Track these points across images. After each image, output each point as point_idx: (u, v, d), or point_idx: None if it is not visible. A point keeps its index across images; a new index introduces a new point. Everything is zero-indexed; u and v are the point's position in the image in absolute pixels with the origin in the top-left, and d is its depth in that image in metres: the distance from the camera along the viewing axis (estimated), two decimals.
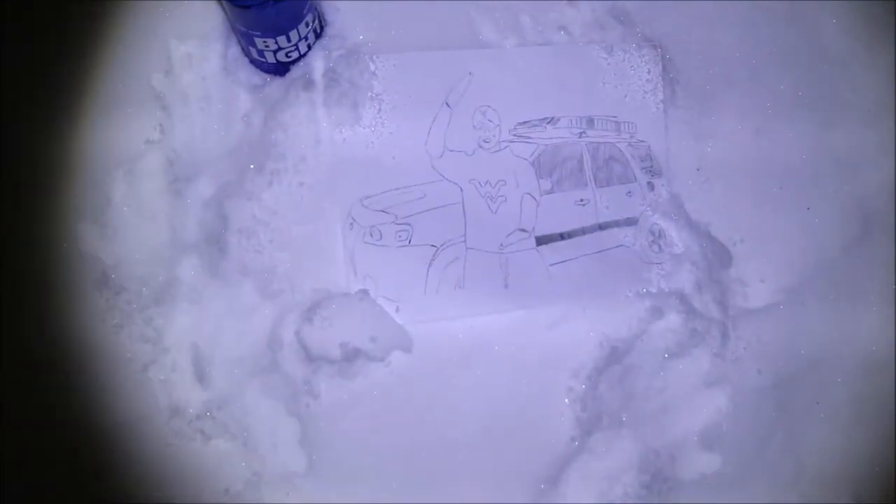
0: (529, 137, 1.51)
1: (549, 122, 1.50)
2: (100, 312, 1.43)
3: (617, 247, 1.55)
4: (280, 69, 1.47)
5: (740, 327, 1.52)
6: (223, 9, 1.39)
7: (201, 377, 1.42)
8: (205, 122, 1.48)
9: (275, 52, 1.41)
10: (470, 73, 1.51)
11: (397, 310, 1.45)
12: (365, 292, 1.44)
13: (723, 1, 1.59)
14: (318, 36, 1.48)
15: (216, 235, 1.43)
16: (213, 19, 1.50)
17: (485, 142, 1.50)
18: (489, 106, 1.52)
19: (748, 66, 1.57)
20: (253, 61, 1.47)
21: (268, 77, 1.49)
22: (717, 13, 1.58)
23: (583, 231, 1.53)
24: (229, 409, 1.42)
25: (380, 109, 1.48)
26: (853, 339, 1.53)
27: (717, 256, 1.55)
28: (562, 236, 1.52)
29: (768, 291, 1.56)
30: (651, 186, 1.54)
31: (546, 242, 1.51)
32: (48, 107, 1.44)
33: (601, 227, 1.54)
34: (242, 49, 1.46)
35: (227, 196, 1.43)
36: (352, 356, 1.37)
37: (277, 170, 1.44)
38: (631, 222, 1.55)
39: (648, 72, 1.54)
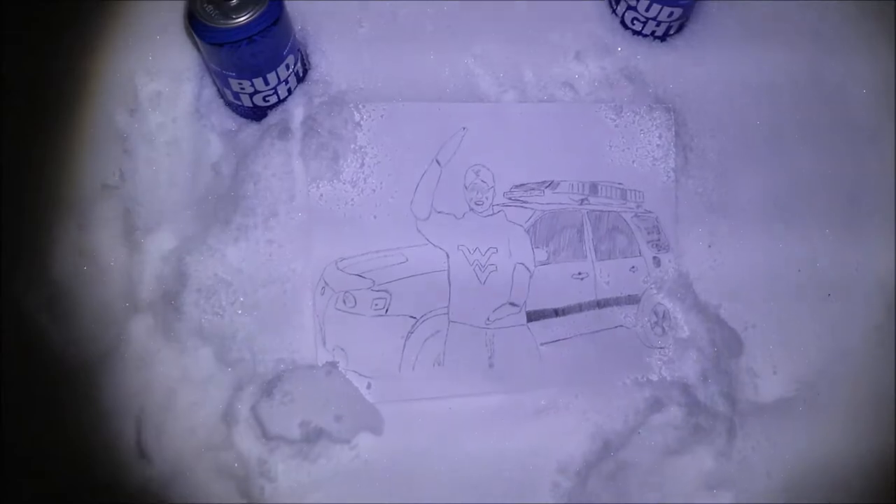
0: (526, 202, 1.46)
1: (548, 186, 1.45)
2: (36, 372, 1.38)
3: (616, 327, 1.49)
4: (257, 114, 1.43)
5: (749, 424, 1.46)
6: (197, 46, 1.35)
7: (144, 451, 1.35)
8: (171, 168, 1.44)
9: (251, 94, 1.37)
10: (464, 129, 1.47)
11: (368, 386, 1.39)
12: (333, 365, 1.38)
13: (742, 64, 1.53)
14: (300, 80, 1.44)
15: (173, 294, 1.37)
16: (187, 57, 1.47)
17: (476, 204, 1.45)
18: (483, 165, 1.47)
19: (768, 135, 1.55)
20: (228, 104, 1.44)
21: (243, 122, 1.45)
22: (736, 76, 1.55)
23: (579, 308, 1.48)
24: (174, 488, 1.35)
25: (363, 163, 1.43)
26: (874, 441, 1.48)
27: (726, 343, 1.49)
28: (556, 313, 1.47)
29: (781, 384, 1.51)
30: (657, 262, 1.50)
31: (538, 319, 1.46)
32: None
33: (600, 304, 1.49)
34: (218, 90, 1.43)
35: (188, 251, 1.38)
36: (313, 437, 1.31)
37: (245, 225, 1.39)
38: (633, 300, 1.50)
39: (660, 136, 1.51)
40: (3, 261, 1.37)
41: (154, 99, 1.43)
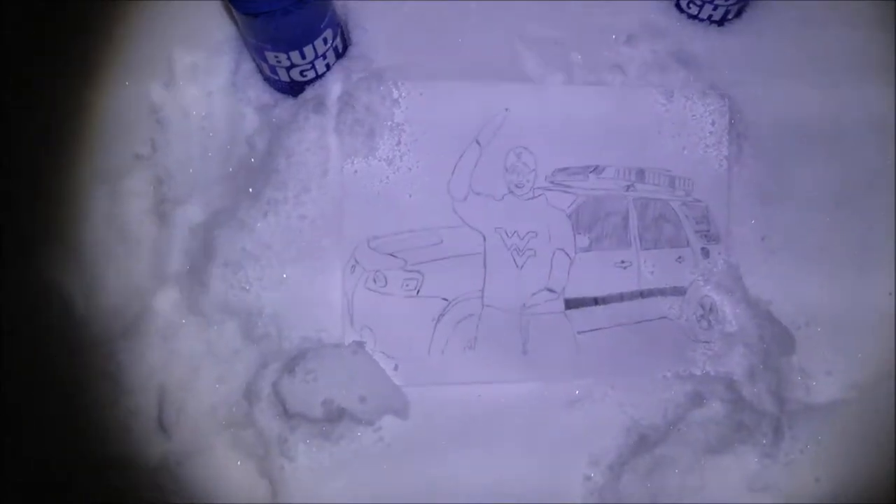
0: (569, 186, 1.44)
1: (592, 171, 1.42)
2: (59, 343, 1.38)
3: (659, 318, 1.45)
4: (294, 89, 1.42)
5: (798, 425, 1.41)
6: (234, 18, 1.34)
7: (164, 426, 1.35)
8: (204, 141, 1.44)
9: (288, 68, 1.37)
10: (507, 110, 1.45)
11: (395, 368, 1.38)
12: (360, 345, 1.36)
13: (803, 52, 1.49)
14: (339, 56, 1.43)
15: (199, 267, 1.37)
16: (226, 29, 1.47)
17: (517, 187, 1.43)
18: (525, 148, 1.45)
19: (829, 126, 1.49)
20: (266, 79, 1.43)
21: (280, 97, 1.45)
22: (796, 64, 1.50)
23: (621, 297, 1.44)
24: (193, 465, 1.35)
25: (399, 141, 1.41)
26: None
27: (776, 340, 1.44)
28: (595, 301, 1.43)
29: (835, 386, 1.45)
30: (706, 253, 1.46)
31: (576, 307, 1.43)
32: (31, 106, 1.41)
33: (643, 294, 1.45)
34: (256, 65, 1.42)
35: (218, 224, 1.37)
36: (335, 417, 1.30)
37: (276, 199, 1.38)
38: (678, 292, 1.46)
39: (713, 123, 1.48)
40: (34, 230, 1.39)
41: (190, 71, 1.43)
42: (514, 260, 1.38)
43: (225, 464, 1.35)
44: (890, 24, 1.51)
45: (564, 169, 1.45)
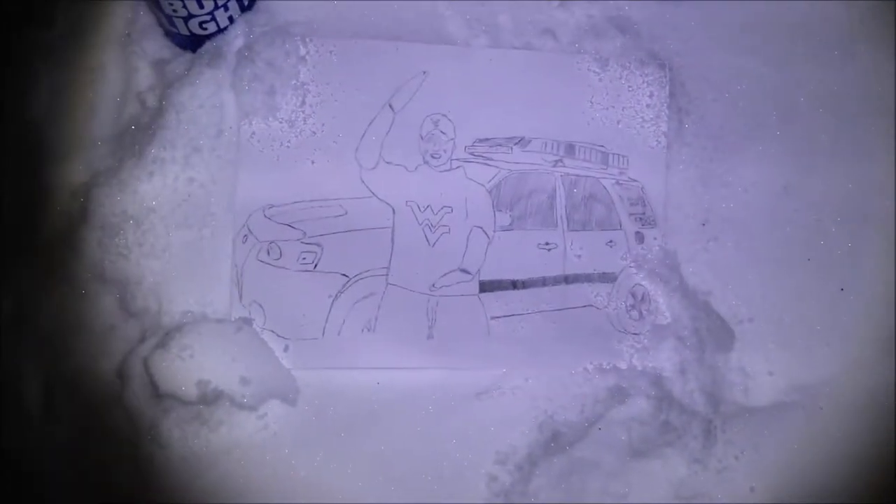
0: (490, 159, 1.34)
1: (517, 143, 1.33)
2: None
3: (584, 307, 1.35)
4: (195, 44, 1.33)
5: (733, 429, 1.32)
6: None
7: (51, 411, 1.28)
8: (92, 97, 1.35)
9: (185, 19, 1.28)
10: (424, 73, 1.36)
11: (286, 349, 1.28)
12: (247, 321, 1.26)
13: (757, 23, 1.39)
14: (244, 9, 1.34)
15: (71, 231, 1.29)
16: None
17: (432, 157, 1.33)
18: (443, 115, 1.35)
19: (781, 105, 1.39)
20: (166, 33, 1.34)
21: (179, 52, 1.35)
22: (748, 39, 1.42)
23: (543, 282, 1.35)
24: (74, 454, 1.28)
25: (303, 102, 1.32)
26: (875, 460, 1.33)
27: (714, 335, 1.36)
28: (514, 285, 1.34)
29: (777, 387, 1.37)
30: (640, 238, 1.37)
31: (492, 290, 1.33)
32: None
33: (568, 279, 1.36)
34: (154, 17, 1.33)
35: (96, 184, 1.28)
36: (211, 399, 1.19)
37: (162, 159, 1.28)
38: (608, 279, 1.36)
39: (651, 95, 1.39)
40: None
41: (79, 19, 1.35)
42: (426, 236, 1.28)
43: (99, 451, 1.26)
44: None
45: (486, 140, 1.35)
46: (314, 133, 1.31)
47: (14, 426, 1.24)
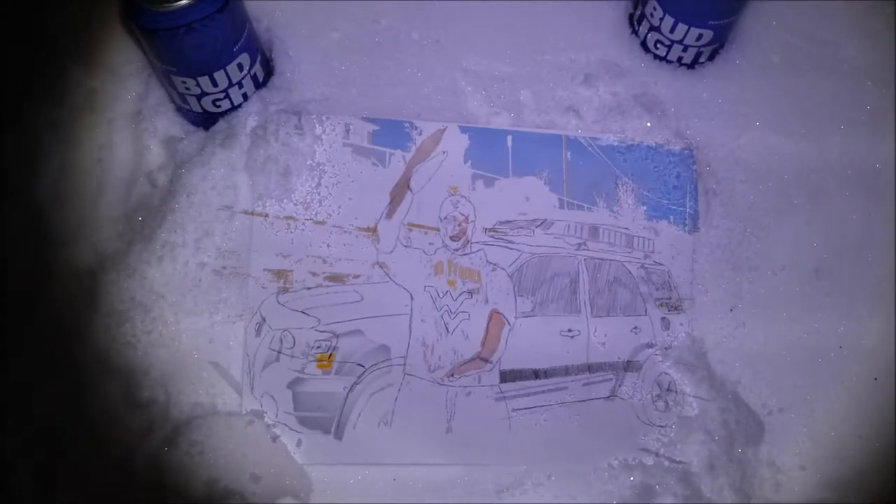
0: (512, 242, 1.31)
1: (539, 226, 1.30)
2: None
3: (609, 398, 1.32)
4: (208, 121, 1.31)
5: None
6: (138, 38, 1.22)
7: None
8: (101, 176, 1.32)
9: (198, 97, 1.25)
10: (444, 153, 1.34)
11: (298, 444, 1.23)
12: (258, 415, 1.22)
13: (784, 102, 1.38)
14: (259, 85, 1.32)
15: (78, 316, 1.25)
16: (131, 51, 1.37)
17: (452, 240, 1.31)
18: (463, 196, 1.33)
19: (810, 187, 1.38)
20: (178, 109, 1.32)
21: (192, 130, 1.34)
22: (778, 116, 1.39)
23: (566, 371, 1.31)
24: None
25: (319, 183, 1.30)
26: None
27: (743, 427, 1.31)
28: (536, 374, 1.30)
29: (809, 483, 1.32)
30: (666, 324, 1.33)
31: (513, 380, 1.29)
32: None
33: (591, 368, 1.32)
34: (167, 93, 1.31)
35: (104, 270, 1.25)
36: (220, 498, 1.15)
37: (172, 242, 1.25)
38: (633, 367, 1.33)
39: (678, 176, 1.37)
40: None
41: (88, 96, 1.33)
42: (445, 323, 1.25)
43: None
44: (876, 74, 1.38)
45: (507, 222, 1.33)
46: (330, 215, 1.28)
47: None
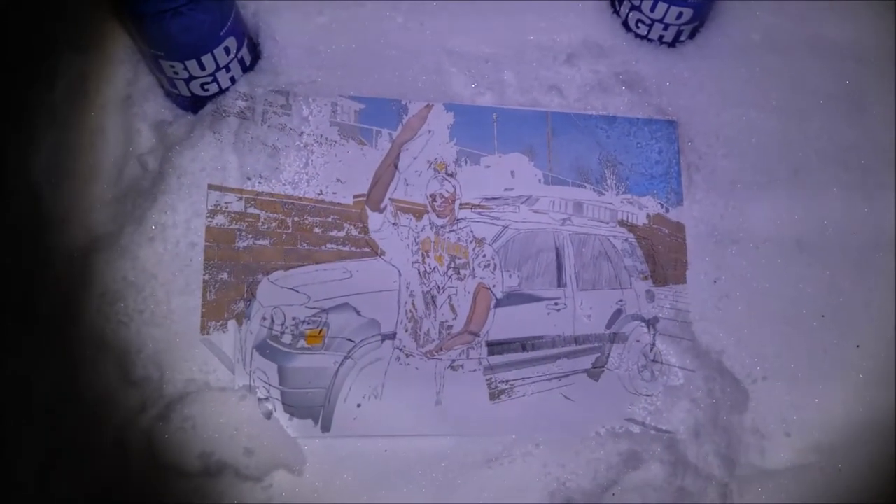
0: (497, 218, 1.34)
1: (524, 202, 1.32)
2: None
3: (595, 368, 1.33)
4: (196, 105, 1.33)
5: (749, 493, 1.30)
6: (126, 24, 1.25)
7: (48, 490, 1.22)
8: (93, 159, 1.33)
9: (187, 81, 1.27)
10: (430, 132, 1.36)
11: (290, 417, 1.25)
12: (250, 390, 1.24)
13: (764, 78, 1.41)
14: (246, 69, 1.33)
15: (72, 298, 1.26)
16: (124, 36, 1.38)
17: (438, 216, 1.33)
18: (449, 174, 1.36)
19: (790, 160, 1.40)
20: (167, 94, 1.34)
21: (181, 113, 1.35)
22: (757, 91, 1.42)
23: (552, 343, 1.33)
24: None
25: (307, 163, 1.32)
26: None
27: (728, 395, 1.33)
28: (523, 346, 1.32)
29: (794, 449, 1.34)
30: (650, 296, 1.36)
31: (500, 353, 1.31)
32: None
33: (577, 340, 1.34)
34: (155, 78, 1.33)
35: (96, 249, 1.26)
36: (214, 471, 1.17)
37: (163, 223, 1.27)
38: (618, 339, 1.35)
39: (660, 151, 1.39)
40: None
41: (79, 80, 1.34)
42: (433, 298, 1.27)
43: None
44: (857, 51, 1.41)
45: (493, 198, 1.35)
46: (318, 194, 1.30)
47: (6, 499, 1.22)
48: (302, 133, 1.31)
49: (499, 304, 1.31)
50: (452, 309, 1.29)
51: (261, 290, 1.26)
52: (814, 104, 1.40)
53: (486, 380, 1.29)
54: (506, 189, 1.35)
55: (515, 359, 1.30)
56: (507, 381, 1.29)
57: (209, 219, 1.27)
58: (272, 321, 1.22)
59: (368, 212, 1.28)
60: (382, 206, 1.29)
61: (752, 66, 1.45)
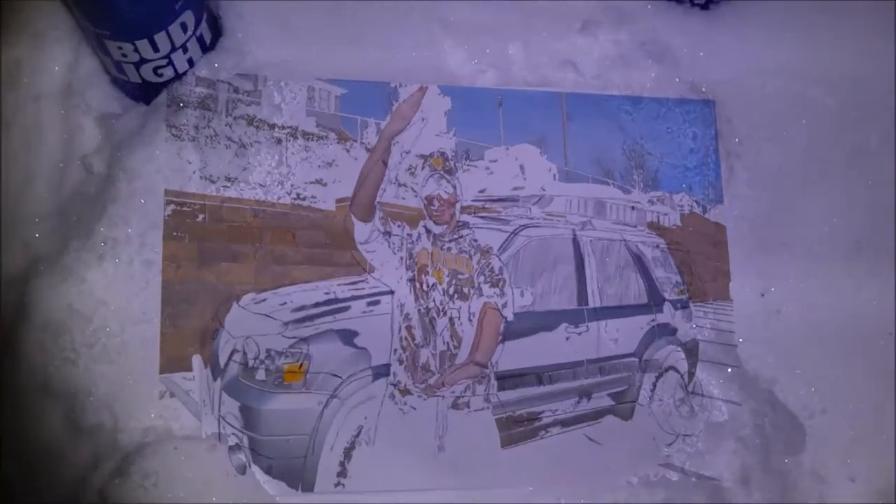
0: (506, 222, 1.29)
1: (536, 203, 1.38)
2: None
3: (624, 403, 1.29)
4: (148, 93, 1.29)
5: None
6: None
7: None
8: (29, 163, 1.23)
9: (137, 65, 1.22)
10: (424, 120, 1.30)
11: (269, 470, 1.19)
12: (221, 438, 1.19)
13: (815, 46, 1.35)
14: (206, 48, 1.29)
15: (9, 332, 1.18)
16: (60, 12, 1.26)
17: (436, 223, 1.30)
18: (447, 170, 1.29)
19: (847, 143, 1.36)
20: (115, 80, 1.29)
21: (131, 104, 1.28)
22: (806, 60, 1.35)
23: (573, 374, 1.28)
24: None
25: (281, 161, 1.26)
26: None
27: (781, 433, 1.28)
28: (539, 379, 1.27)
29: (860, 496, 1.25)
30: (687, 315, 1.33)
31: (513, 387, 1.26)
32: None
33: (602, 370, 1.30)
34: (100, 62, 1.28)
35: (36, 273, 1.19)
36: None
37: (113, 239, 1.20)
38: (651, 367, 1.31)
39: (694, 137, 1.35)
40: None
41: (12, 69, 1.25)
42: (431, 322, 1.28)
43: None
44: None
45: (500, 199, 1.30)
46: (295, 198, 1.25)
47: None
48: (273, 126, 1.28)
49: (509, 327, 1.28)
50: (455, 335, 1.28)
51: (230, 318, 1.24)
52: (876, 74, 1.33)
53: (497, 420, 1.25)
54: (514, 188, 1.32)
55: (530, 394, 1.27)
56: (522, 422, 1.26)
57: (167, 232, 1.22)
58: (244, 354, 1.20)
59: (354, 220, 1.26)
60: (370, 212, 1.33)
61: (799, 31, 1.37)
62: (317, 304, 1.24)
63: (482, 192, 1.31)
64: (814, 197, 1.34)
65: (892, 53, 1.41)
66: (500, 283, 1.30)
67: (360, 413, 1.23)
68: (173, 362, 1.21)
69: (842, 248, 1.33)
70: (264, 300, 1.24)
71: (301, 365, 1.22)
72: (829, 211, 1.34)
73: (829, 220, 1.33)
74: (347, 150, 1.29)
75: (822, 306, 1.31)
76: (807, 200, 1.34)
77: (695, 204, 1.35)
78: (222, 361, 1.21)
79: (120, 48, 1.20)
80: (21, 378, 1.22)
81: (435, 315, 1.28)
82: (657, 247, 1.33)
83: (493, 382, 1.26)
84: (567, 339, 1.30)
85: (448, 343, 1.27)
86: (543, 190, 1.32)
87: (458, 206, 1.30)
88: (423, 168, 1.30)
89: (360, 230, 1.27)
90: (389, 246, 1.28)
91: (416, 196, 1.30)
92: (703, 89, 1.36)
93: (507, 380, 1.27)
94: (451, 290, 1.28)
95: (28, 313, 1.22)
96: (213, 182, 1.26)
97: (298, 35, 1.31)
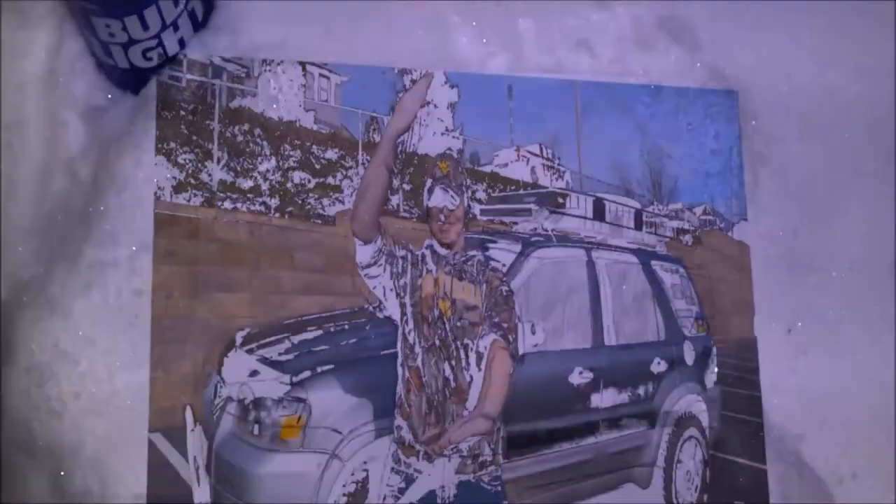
0: (515, 239, 1.19)
1: (547, 218, 1.26)
2: None
3: (643, 466, 1.16)
4: (138, 81, 1.31)
5: None
6: None
7: None
8: (8, 168, 1.12)
9: (125, 46, 1.29)
10: (429, 113, 1.20)
11: None
12: None
13: (856, 30, 1.37)
14: (197, 25, 1.32)
15: None
16: None
17: (443, 241, 1.27)
18: (453, 177, 1.15)
19: (886, 147, 1.31)
20: (101, 65, 1.37)
21: (118, 94, 1.22)
22: (844, 49, 1.38)
23: (589, 429, 1.19)
24: None
25: (279, 163, 1.13)
26: None
27: (810, 495, 1.20)
28: (551, 436, 1.23)
29: None
30: (710, 356, 1.23)
31: (525, 445, 1.23)
32: None
33: (619, 424, 1.21)
34: (86, 44, 1.32)
35: (20, 304, 1.14)
36: None
37: (101, 262, 1.20)
38: (670, 420, 1.20)
39: (716, 136, 1.35)
40: None
41: None
42: (436, 364, 1.35)
43: None
44: None
45: (509, 211, 1.23)
46: (290, 211, 1.14)
47: None
48: (269, 120, 1.15)
49: (518, 369, 1.19)
50: (461, 378, 1.23)
51: (228, 361, 1.20)
52: None
53: (506, 486, 1.15)
54: (525, 199, 1.34)
55: (542, 457, 1.18)
56: (533, 486, 1.17)
57: (157, 255, 1.18)
58: (239, 406, 1.10)
59: (356, 242, 1.19)
60: (373, 230, 1.46)
61: (834, 11, 1.30)
62: (315, 341, 1.18)
63: (491, 203, 1.25)
64: (846, 209, 1.33)
65: None
66: (510, 318, 1.12)
67: (361, 476, 1.15)
68: (164, 414, 1.35)
69: (875, 273, 1.21)
70: (260, 340, 1.20)
71: (299, 418, 1.35)
72: (863, 226, 1.30)
73: (863, 239, 1.26)
74: (349, 153, 1.22)
75: (855, 347, 1.25)
76: (838, 214, 1.32)
77: (717, 219, 1.33)
78: (215, 413, 1.22)
79: (108, 26, 1.38)
80: (5, 434, 1.20)
81: (440, 354, 1.19)
82: (677, 272, 1.42)
83: (503, 441, 1.16)
84: (581, 386, 1.20)
85: (454, 388, 1.12)
86: (555, 209, 1.26)
87: (464, 221, 1.15)
88: (430, 172, 1.19)
89: (362, 252, 1.26)
90: (392, 272, 1.19)
91: (423, 206, 1.13)
92: (727, 75, 1.30)
93: (516, 437, 1.21)
94: (458, 324, 1.20)
95: (12, 353, 1.29)
96: (206, 188, 1.23)
97: (296, 12, 1.30)
